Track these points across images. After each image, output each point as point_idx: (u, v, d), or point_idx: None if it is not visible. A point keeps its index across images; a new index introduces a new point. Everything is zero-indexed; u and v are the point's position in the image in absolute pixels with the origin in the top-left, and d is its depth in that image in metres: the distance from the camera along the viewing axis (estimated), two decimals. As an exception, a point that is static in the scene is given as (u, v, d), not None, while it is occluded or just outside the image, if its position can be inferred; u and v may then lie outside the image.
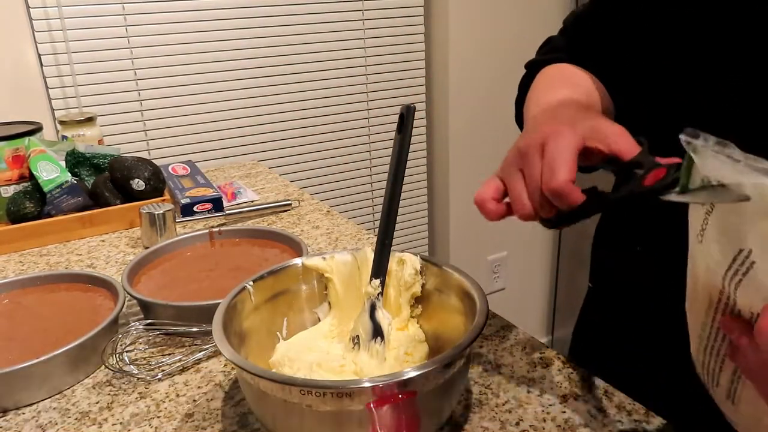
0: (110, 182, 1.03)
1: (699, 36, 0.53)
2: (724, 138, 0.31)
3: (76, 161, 1.06)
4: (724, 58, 0.52)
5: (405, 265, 0.59)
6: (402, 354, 0.55)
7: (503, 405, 0.54)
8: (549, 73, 0.65)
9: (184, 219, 0.99)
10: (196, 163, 1.24)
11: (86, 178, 1.06)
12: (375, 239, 0.61)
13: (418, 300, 0.60)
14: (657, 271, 0.59)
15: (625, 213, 0.67)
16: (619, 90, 0.63)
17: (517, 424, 0.52)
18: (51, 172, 0.98)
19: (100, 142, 1.17)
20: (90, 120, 1.15)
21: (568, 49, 0.68)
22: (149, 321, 0.66)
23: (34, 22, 1.28)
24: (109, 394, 0.59)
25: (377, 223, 1.23)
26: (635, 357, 0.65)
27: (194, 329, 0.65)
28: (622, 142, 0.43)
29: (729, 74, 0.52)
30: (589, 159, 0.45)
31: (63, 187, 0.98)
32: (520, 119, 0.68)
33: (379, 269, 0.57)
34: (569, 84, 0.61)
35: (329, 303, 0.62)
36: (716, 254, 0.33)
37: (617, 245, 0.69)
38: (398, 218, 0.56)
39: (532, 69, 0.69)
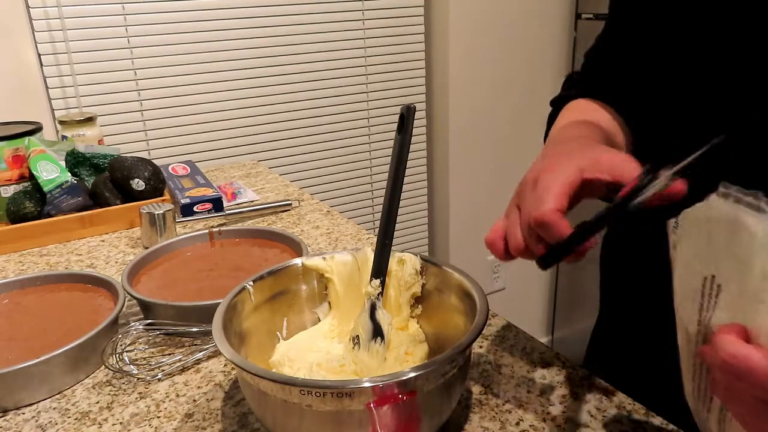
0: (110, 182, 1.03)
1: (709, 57, 0.53)
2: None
3: (76, 161, 1.06)
4: (736, 79, 0.52)
5: (405, 265, 0.59)
6: (402, 354, 0.55)
7: (503, 405, 0.54)
8: (570, 108, 0.66)
9: (184, 219, 0.99)
10: (196, 163, 1.24)
11: (86, 178, 1.06)
12: (375, 239, 0.61)
13: (418, 300, 0.60)
14: (666, 288, 0.59)
15: (631, 233, 0.67)
16: (636, 117, 0.63)
17: (517, 424, 0.52)
18: (51, 172, 0.98)
19: (100, 142, 1.17)
20: (90, 120, 1.15)
21: (586, 82, 0.69)
22: (149, 321, 0.66)
23: (34, 22, 1.28)
24: (109, 394, 0.59)
25: (377, 223, 1.23)
26: (649, 371, 0.64)
27: (194, 329, 0.65)
28: (624, 168, 0.43)
29: (742, 93, 0.51)
30: (593, 192, 0.45)
31: (63, 187, 0.98)
32: None
33: (379, 269, 0.57)
34: (584, 117, 0.62)
35: (329, 303, 0.62)
36: (692, 281, 0.33)
37: (626, 263, 0.69)
38: (398, 218, 0.56)
39: (556, 105, 0.70)
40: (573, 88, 0.70)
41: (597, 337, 0.78)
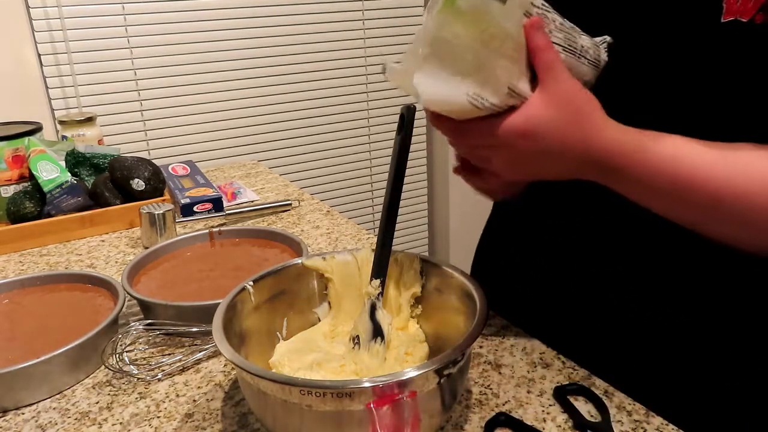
0: (110, 182, 1.03)
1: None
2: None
3: (76, 161, 1.06)
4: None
5: (405, 265, 0.59)
6: (402, 354, 0.55)
7: (503, 405, 0.54)
8: None
9: (184, 219, 0.99)
10: (196, 163, 1.24)
11: (86, 178, 1.06)
12: (375, 239, 0.61)
13: (418, 300, 0.60)
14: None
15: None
16: None
17: (517, 424, 0.52)
18: (51, 172, 0.98)
19: (100, 142, 1.17)
20: (90, 120, 1.15)
21: None
22: (149, 321, 0.66)
23: (34, 22, 1.28)
24: (109, 394, 0.59)
25: (377, 223, 1.23)
26: (537, 282, 0.65)
27: (194, 329, 0.65)
28: None
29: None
30: None
31: (63, 187, 0.98)
32: None
33: (379, 269, 0.57)
34: None
35: (329, 303, 0.62)
36: None
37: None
38: (398, 218, 0.56)
39: None
40: None
41: (484, 244, 0.76)
